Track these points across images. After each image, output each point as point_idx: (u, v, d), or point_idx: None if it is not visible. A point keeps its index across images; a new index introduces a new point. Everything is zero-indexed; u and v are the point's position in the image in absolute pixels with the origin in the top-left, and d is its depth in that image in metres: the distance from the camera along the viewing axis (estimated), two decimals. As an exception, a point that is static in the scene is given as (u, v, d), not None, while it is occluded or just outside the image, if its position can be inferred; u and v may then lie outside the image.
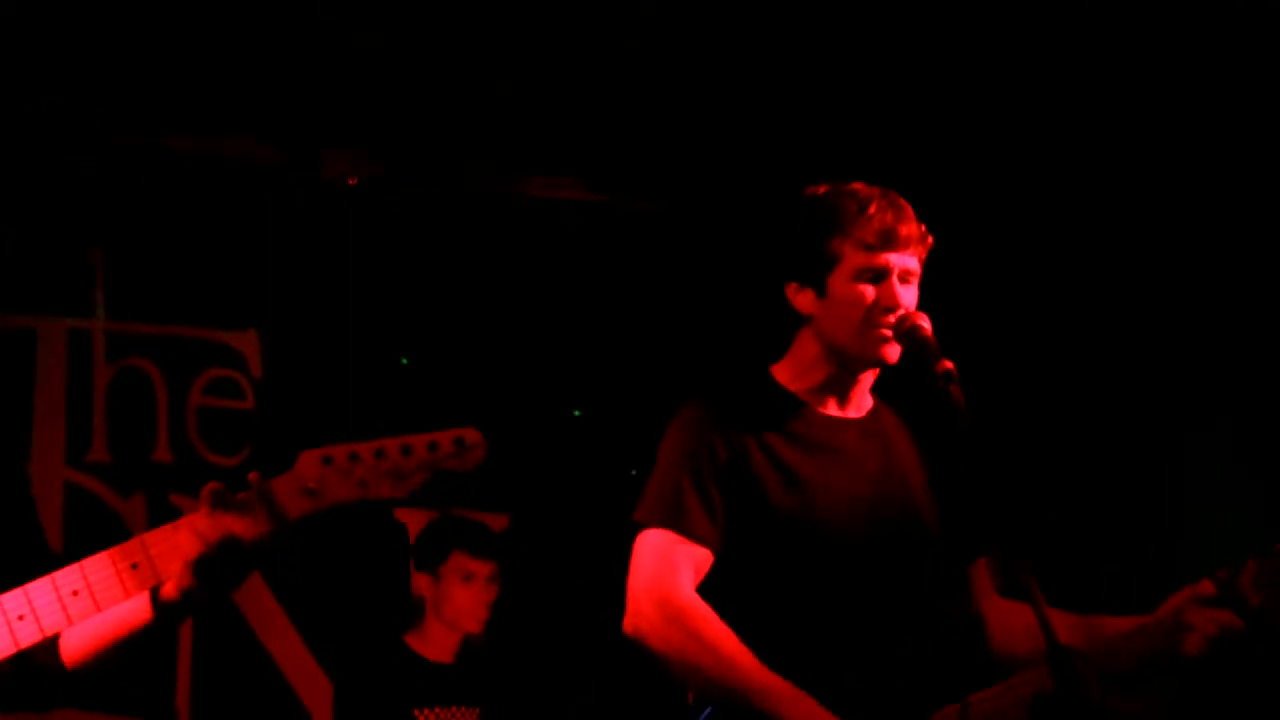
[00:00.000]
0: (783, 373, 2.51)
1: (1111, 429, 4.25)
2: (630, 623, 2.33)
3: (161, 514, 4.12)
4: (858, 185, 2.46)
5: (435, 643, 3.84)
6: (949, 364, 2.26)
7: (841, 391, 2.49)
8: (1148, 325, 4.22)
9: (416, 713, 3.73)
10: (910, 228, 2.41)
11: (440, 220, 4.37)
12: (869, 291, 2.40)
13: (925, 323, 2.37)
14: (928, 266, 2.46)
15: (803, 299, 2.47)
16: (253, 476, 1.96)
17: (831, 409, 2.48)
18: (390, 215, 4.32)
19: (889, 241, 2.39)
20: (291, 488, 1.95)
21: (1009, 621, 2.49)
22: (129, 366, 4.25)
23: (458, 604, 3.81)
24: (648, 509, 2.40)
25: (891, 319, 2.38)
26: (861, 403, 2.52)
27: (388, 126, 4.07)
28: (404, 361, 4.44)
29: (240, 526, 1.91)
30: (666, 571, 2.32)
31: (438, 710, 3.76)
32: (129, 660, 2.03)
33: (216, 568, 1.93)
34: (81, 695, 2.07)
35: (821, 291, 2.44)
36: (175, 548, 1.94)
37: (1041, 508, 3.88)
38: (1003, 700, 2.34)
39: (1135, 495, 4.21)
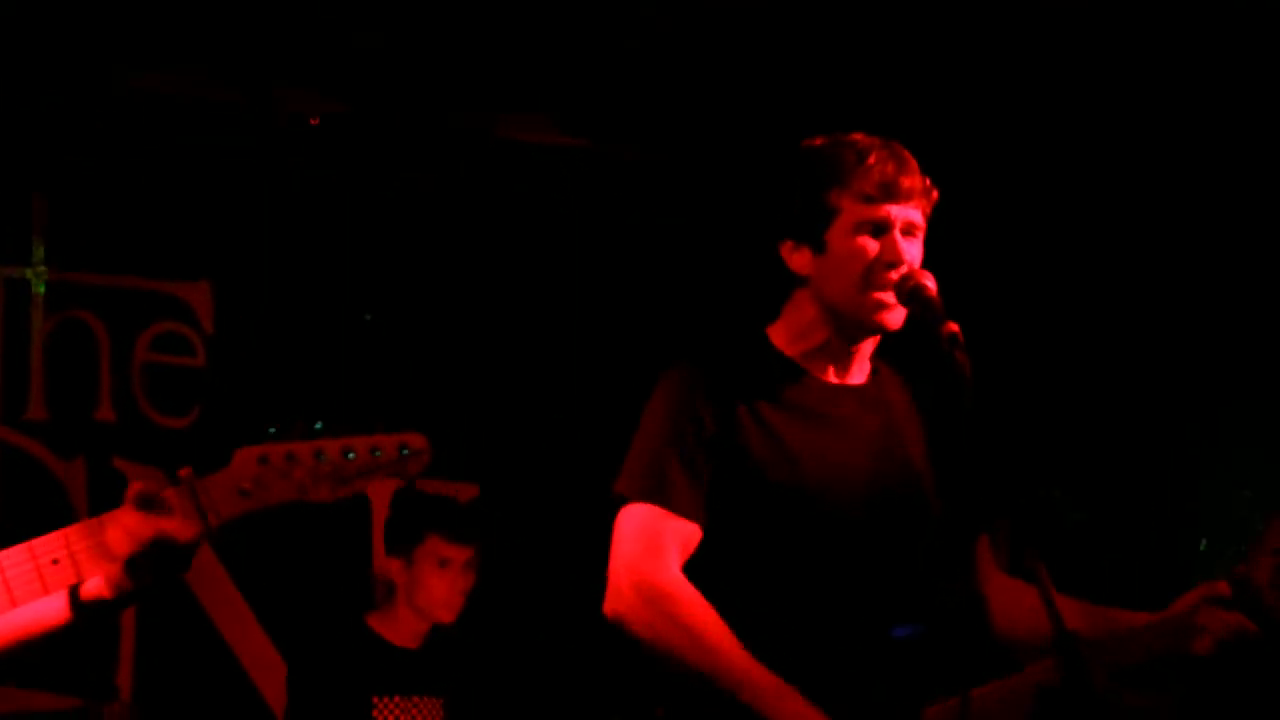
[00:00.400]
0: (778, 336, 2.49)
1: (1125, 406, 4.24)
2: (610, 605, 2.32)
3: (103, 479, 4.10)
4: (857, 135, 2.44)
5: (401, 627, 3.82)
6: (954, 327, 2.24)
7: (840, 357, 2.47)
8: (1163, 297, 4.21)
9: (376, 700, 3.72)
10: (913, 179, 2.40)
11: (408, 163, 4.32)
12: (870, 245, 2.38)
13: (930, 282, 2.35)
14: (932, 225, 2.44)
15: (799, 257, 2.45)
16: (184, 473, 1.97)
17: (830, 375, 2.47)
18: (354, 157, 4.26)
19: (890, 193, 2.37)
20: (225, 487, 1.97)
21: (1012, 602, 2.48)
22: (70, 319, 4.21)
23: (432, 592, 3.78)
24: (630, 481, 2.38)
25: (894, 276, 2.36)
26: (861, 368, 2.50)
27: (350, 61, 4.02)
28: (367, 318, 4.40)
29: (171, 526, 1.93)
30: (650, 550, 2.31)
31: (398, 699, 3.74)
32: (45, 656, 2.04)
33: (147, 569, 1.94)
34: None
35: (819, 248, 2.42)
36: (100, 546, 1.95)
37: (1048, 483, 3.86)
38: (1005, 693, 2.34)
39: (1148, 477, 4.20)
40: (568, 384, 4.53)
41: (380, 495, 4.27)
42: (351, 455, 1.99)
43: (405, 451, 2.01)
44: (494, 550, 3.97)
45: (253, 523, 3.92)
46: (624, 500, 2.37)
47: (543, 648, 4.31)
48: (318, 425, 2.02)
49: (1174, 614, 2.36)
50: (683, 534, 2.33)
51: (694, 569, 2.34)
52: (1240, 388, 4.03)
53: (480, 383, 4.45)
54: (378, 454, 2.00)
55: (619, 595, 2.30)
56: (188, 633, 4.15)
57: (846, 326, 2.44)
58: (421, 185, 4.36)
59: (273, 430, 2.01)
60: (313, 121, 4.12)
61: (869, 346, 2.49)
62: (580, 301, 4.55)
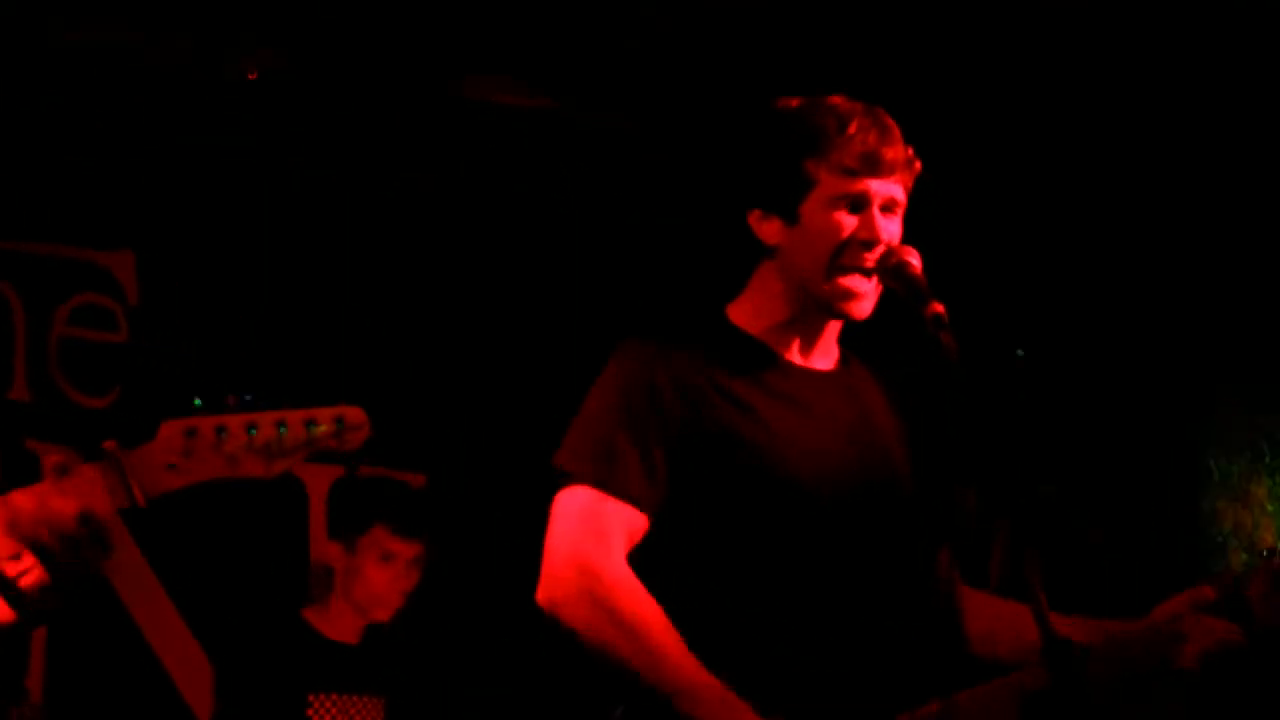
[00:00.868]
0: (740, 313, 2.49)
1: (1124, 399, 4.26)
2: (545, 592, 2.30)
3: (16, 461, 4.06)
4: (837, 99, 2.44)
5: (339, 621, 3.81)
6: (940, 307, 2.24)
7: (806, 337, 2.47)
8: (1161, 284, 4.24)
9: (312, 698, 3.71)
10: (896, 151, 2.40)
11: (355, 124, 4.29)
12: (846, 222, 2.38)
13: (914, 259, 2.35)
14: (914, 198, 2.45)
15: (768, 228, 2.45)
16: (109, 446, 1.96)
17: (795, 354, 2.47)
18: (295, 116, 4.23)
19: (872, 166, 2.37)
20: (151, 462, 1.97)
21: (987, 616, 2.50)
22: (-19, 290, 4.17)
23: (370, 586, 3.78)
24: (575, 459, 2.36)
25: (869, 256, 2.37)
26: (828, 351, 2.51)
27: (292, 10, 4.00)
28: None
29: (94, 503, 1.93)
30: (592, 536, 2.29)
31: (335, 697, 3.74)
32: None
33: (67, 550, 1.94)
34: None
35: (791, 219, 2.42)
36: (12, 524, 1.94)
37: (1041, 481, 3.88)
38: (990, 698, 2.34)
39: (1149, 475, 4.23)
40: (521, 366, 4.53)
41: (317, 481, 4.29)
42: (285, 429, 2.00)
43: (342, 425, 2.03)
44: (441, 541, 3.96)
45: (176, 510, 3.91)
46: (566, 478, 2.35)
47: (491, 645, 4.31)
48: (247, 397, 2.03)
49: (1154, 622, 2.37)
50: (630, 522, 2.32)
51: (645, 562, 2.33)
52: (1239, 372, 4.06)
53: (427, 364, 4.45)
54: (313, 428, 2.02)
55: (555, 582, 2.29)
56: (104, 629, 4.11)
57: (812, 306, 2.44)
58: (368, 152, 4.32)
59: (198, 402, 2.01)
60: (250, 76, 4.08)
61: (835, 329, 2.50)
62: (535, 279, 4.54)
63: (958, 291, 2.40)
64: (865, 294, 2.39)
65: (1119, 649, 2.36)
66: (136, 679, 4.15)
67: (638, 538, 2.33)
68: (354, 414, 2.04)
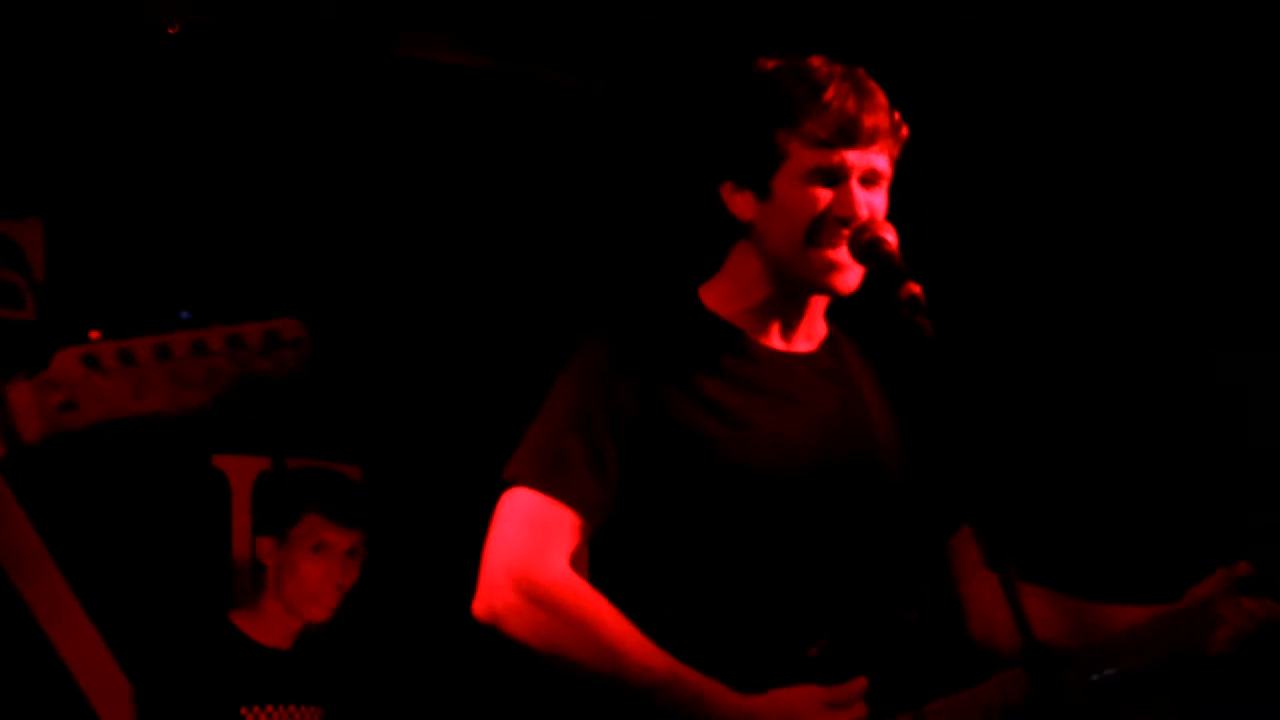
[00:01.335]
0: (713, 295, 2.49)
1: (1117, 382, 4.28)
2: (484, 602, 2.32)
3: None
4: (815, 61, 2.43)
5: (270, 624, 3.79)
6: (916, 288, 2.23)
7: (786, 318, 2.47)
8: (1154, 261, 4.25)
9: (245, 711, 3.69)
10: (878, 118, 2.39)
11: (283, 82, 4.24)
12: (822, 195, 2.37)
13: (890, 235, 2.34)
14: (900, 168, 2.44)
15: (740, 202, 2.44)
16: None
17: (775, 340, 2.47)
18: (220, 72, 4.18)
19: (849, 136, 2.36)
20: (38, 398, 1.79)
21: (993, 606, 2.47)
22: None
23: (304, 582, 3.76)
24: (522, 463, 2.38)
25: (847, 233, 2.36)
26: (812, 332, 2.50)
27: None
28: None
29: None
30: (536, 542, 2.31)
31: (270, 709, 3.72)
32: None
33: None
34: None
35: (763, 193, 2.41)
36: None
37: (1026, 471, 3.89)
38: (966, 710, 2.35)
39: (1142, 467, 4.24)
40: (467, 351, 4.49)
41: (241, 473, 4.25)
42: (204, 350, 1.82)
43: (275, 341, 1.84)
44: (378, 538, 3.95)
45: (87, 507, 3.86)
46: (512, 480, 2.36)
47: (432, 648, 4.29)
48: (184, 315, 1.86)
49: (1188, 605, 2.37)
50: (575, 529, 2.33)
51: (609, 563, 2.35)
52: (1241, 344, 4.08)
53: (362, 347, 4.38)
54: (238, 345, 1.83)
55: (495, 591, 2.30)
56: (4, 638, 4.05)
57: (792, 284, 2.44)
58: (295, 107, 4.28)
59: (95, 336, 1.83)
60: (171, 30, 4.03)
61: (819, 306, 2.49)
62: (486, 259, 4.51)
63: (941, 271, 2.40)
64: (848, 264, 2.38)
65: (1145, 634, 2.36)
66: (43, 697, 4.07)
67: (576, 544, 2.34)
68: (290, 327, 1.85)
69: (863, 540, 2.41)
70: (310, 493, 3.82)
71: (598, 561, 2.40)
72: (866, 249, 2.34)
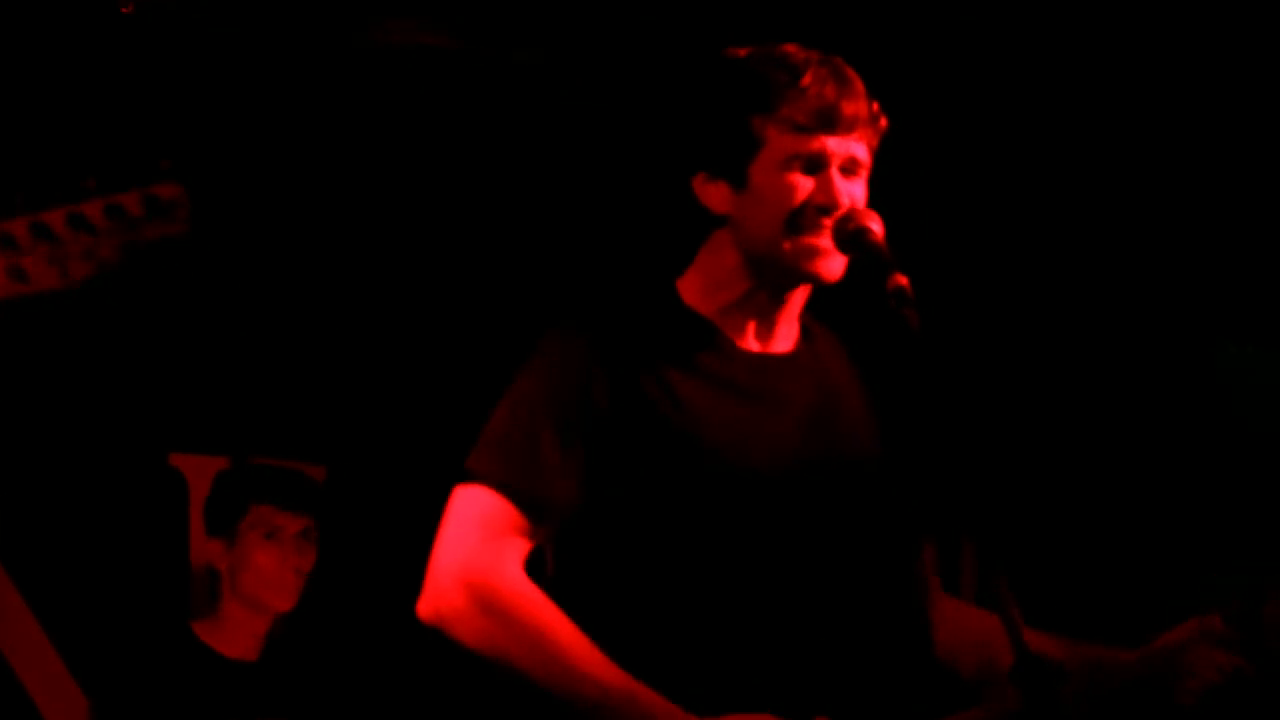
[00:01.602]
0: (690, 288, 2.42)
1: (1114, 389, 4.22)
2: (430, 604, 2.24)
3: None
4: (790, 48, 2.37)
5: (232, 632, 3.71)
6: (903, 279, 2.16)
7: (764, 316, 2.41)
8: (1151, 255, 4.20)
9: (208, 728, 3.61)
10: (858, 105, 2.33)
11: (242, 66, 4.14)
12: (801, 185, 2.31)
13: (876, 225, 2.28)
14: (880, 162, 2.38)
15: (715, 193, 2.37)
16: None
17: (750, 340, 2.41)
18: (176, 52, 4.05)
19: (828, 122, 2.31)
20: None
21: (957, 630, 2.45)
22: None
23: (259, 571, 3.69)
24: (486, 458, 2.29)
25: (827, 223, 2.30)
26: (789, 330, 2.44)
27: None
28: None
29: None
30: (490, 544, 2.23)
31: None
32: None
33: None
34: None
35: (739, 183, 2.35)
36: None
37: (1016, 483, 3.83)
38: None
39: (1138, 479, 4.18)
40: (434, 346, 4.42)
41: (199, 475, 4.15)
42: (82, 224, 1.87)
43: (155, 206, 1.90)
44: (344, 544, 3.88)
45: (39, 510, 3.76)
46: (470, 475, 2.28)
47: (403, 656, 4.20)
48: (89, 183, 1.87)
49: (1156, 651, 2.32)
50: (534, 532, 2.26)
51: (571, 567, 2.27)
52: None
53: (326, 343, 4.34)
54: (118, 216, 1.88)
55: (443, 594, 2.22)
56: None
57: (773, 276, 2.37)
58: (255, 87, 4.18)
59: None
60: (125, 10, 3.93)
61: (799, 301, 2.42)
62: (455, 251, 4.42)
63: (927, 262, 2.33)
64: (831, 251, 2.32)
65: (1109, 678, 2.32)
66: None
67: (529, 549, 2.27)
68: (168, 190, 1.91)
69: (837, 549, 2.34)
70: (253, 486, 3.77)
71: (556, 565, 2.32)
72: (851, 239, 2.27)
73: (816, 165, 2.31)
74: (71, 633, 4.05)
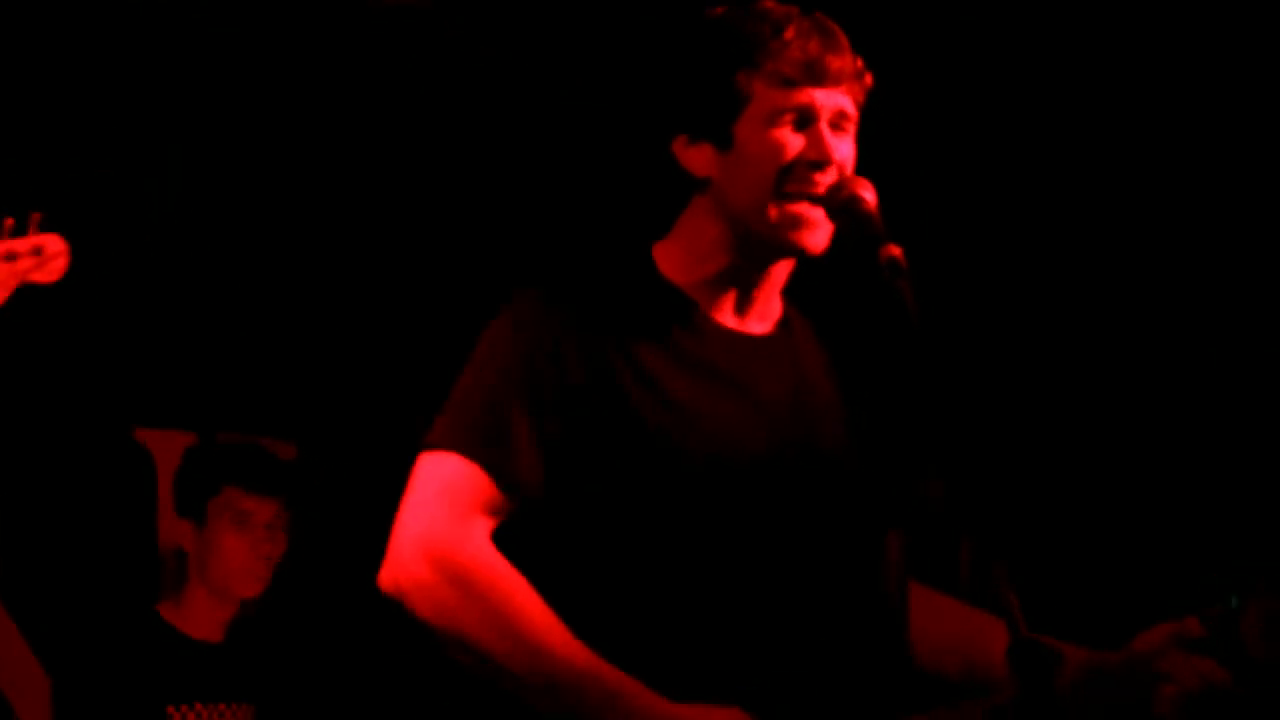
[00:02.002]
0: (668, 257, 2.34)
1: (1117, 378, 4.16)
2: (391, 574, 2.14)
3: None
4: (769, 3, 2.31)
5: (198, 614, 3.62)
6: (897, 250, 2.09)
7: (744, 291, 2.33)
8: (1160, 245, 4.15)
9: (172, 710, 3.52)
10: (843, 59, 2.27)
11: (206, 31, 4.04)
12: (790, 141, 2.24)
13: (868, 193, 2.20)
14: (863, 130, 2.30)
15: (696, 156, 2.29)
16: None
17: (728, 317, 2.33)
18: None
19: (815, 74, 2.24)
20: None
21: (938, 624, 2.38)
22: None
23: (228, 557, 3.60)
24: (452, 428, 2.19)
25: (820, 179, 2.22)
26: (767, 310, 2.36)
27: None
28: None
29: None
30: (455, 514, 2.13)
31: (199, 708, 3.55)
32: None
33: None
34: None
35: (724, 144, 2.27)
36: None
37: (1013, 467, 3.77)
38: None
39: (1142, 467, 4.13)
40: (406, 317, 4.35)
41: (167, 448, 4.08)
42: None
43: (40, 254, 2.20)
44: (314, 523, 3.82)
45: (1, 494, 3.70)
46: (435, 444, 2.18)
47: (372, 639, 4.15)
48: None
49: (1132, 656, 2.23)
50: (501, 505, 2.17)
51: (533, 550, 2.18)
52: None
53: (295, 316, 4.28)
54: (13, 259, 2.16)
55: (404, 564, 2.12)
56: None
57: (756, 247, 2.29)
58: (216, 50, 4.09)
59: None
60: None
61: (782, 274, 2.35)
62: (428, 218, 4.35)
63: (918, 234, 2.24)
64: (818, 221, 2.24)
65: (1088, 680, 2.23)
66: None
67: (497, 522, 2.18)
68: (53, 242, 2.12)
69: (807, 537, 2.26)
70: (224, 465, 3.68)
71: (518, 543, 2.22)
72: (843, 207, 2.19)
73: (806, 119, 2.24)
74: (34, 611, 3.97)
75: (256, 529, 3.62)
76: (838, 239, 2.24)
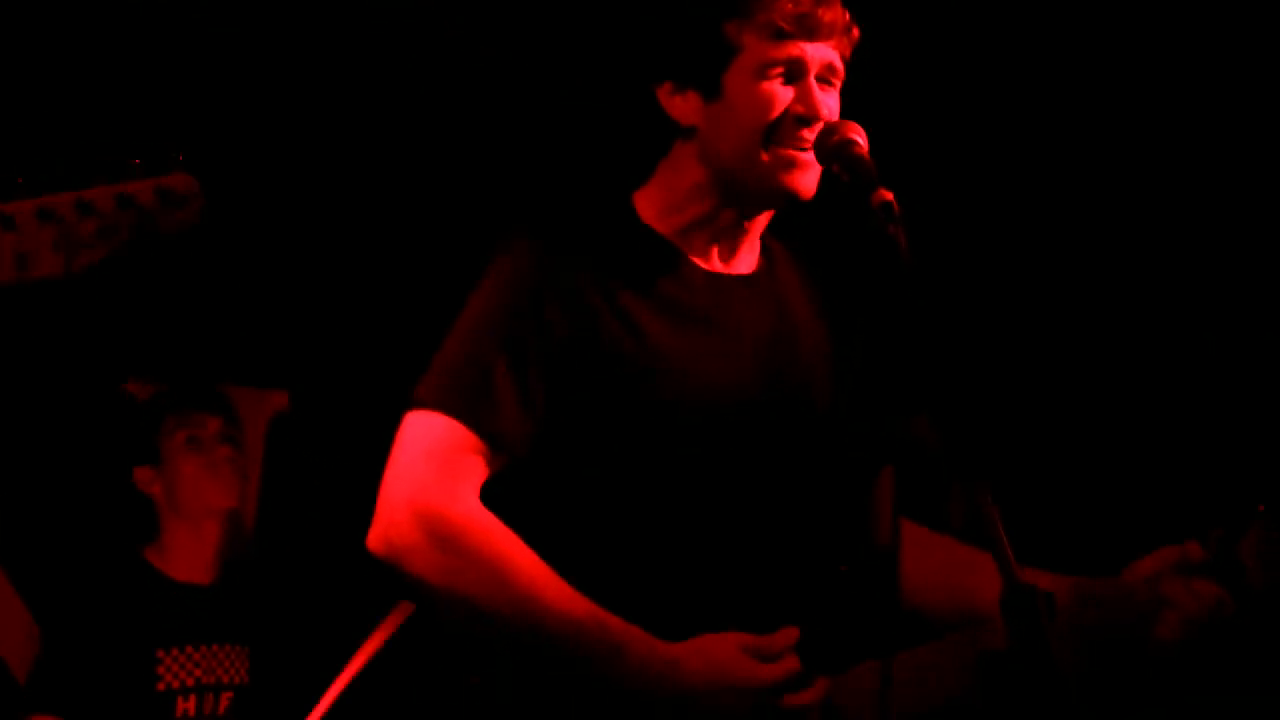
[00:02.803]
0: (648, 204, 2.33)
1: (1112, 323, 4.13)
2: (381, 536, 2.14)
3: None
4: None
5: (181, 555, 3.59)
6: (889, 194, 2.06)
7: (727, 236, 2.32)
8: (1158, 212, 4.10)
9: (161, 654, 3.50)
10: (834, 12, 2.26)
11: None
12: (779, 94, 2.23)
13: (860, 137, 2.18)
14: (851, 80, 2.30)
15: (683, 104, 2.28)
16: None
17: (712, 260, 2.32)
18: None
19: (806, 27, 2.23)
20: None
21: (927, 562, 2.38)
22: None
23: (190, 478, 3.59)
24: (436, 387, 2.20)
25: (807, 134, 2.22)
26: (751, 252, 2.36)
27: None
28: None
29: None
30: (443, 473, 2.14)
31: (189, 650, 3.53)
32: None
33: None
34: None
35: (712, 93, 2.26)
36: None
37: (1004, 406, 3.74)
38: (938, 660, 2.23)
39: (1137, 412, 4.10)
40: (395, 265, 4.30)
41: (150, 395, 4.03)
42: (90, 210, 1.82)
43: (169, 197, 1.86)
44: (309, 467, 3.81)
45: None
46: (417, 405, 2.18)
47: (365, 578, 4.15)
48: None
49: (1132, 583, 2.24)
50: (490, 462, 2.16)
51: (522, 498, 2.18)
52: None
53: (289, 266, 4.24)
54: (128, 205, 1.83)
55: (394, 526, 2.12)
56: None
57: (740, 195, 2.28)
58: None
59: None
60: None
61: (760, 224, 2.34)
62: (416, 164, 4.27)
63: (907, 179, 2.20)
64: (809, 163, 2.23)
65: (1086, 611, 2.22)
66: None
67: (486, 476, 2.18)
68: (181, 181, 1.86)
69: (793, 478, 2.28)
70: (161, 402, 3.70)
71: (509, 497, 2.22)
72: (835, 151, 2.17)
73: (796, 73, 2.24)
74: (22, 558, 3.92)
75: (208, 444, 3.61)
76: (830, 182, 2.22)
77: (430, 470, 2.14)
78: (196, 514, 3.60)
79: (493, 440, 2.15)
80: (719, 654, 2.11)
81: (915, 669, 2.20)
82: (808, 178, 2.24)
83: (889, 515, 2.40)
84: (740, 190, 2.27)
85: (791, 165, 2.23)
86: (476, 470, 2.15)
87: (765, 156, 2.23)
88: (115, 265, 1.85)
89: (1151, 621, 2.19)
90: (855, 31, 2.30)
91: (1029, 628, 1.87)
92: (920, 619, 2.35)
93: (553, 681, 2.13)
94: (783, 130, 2.22)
